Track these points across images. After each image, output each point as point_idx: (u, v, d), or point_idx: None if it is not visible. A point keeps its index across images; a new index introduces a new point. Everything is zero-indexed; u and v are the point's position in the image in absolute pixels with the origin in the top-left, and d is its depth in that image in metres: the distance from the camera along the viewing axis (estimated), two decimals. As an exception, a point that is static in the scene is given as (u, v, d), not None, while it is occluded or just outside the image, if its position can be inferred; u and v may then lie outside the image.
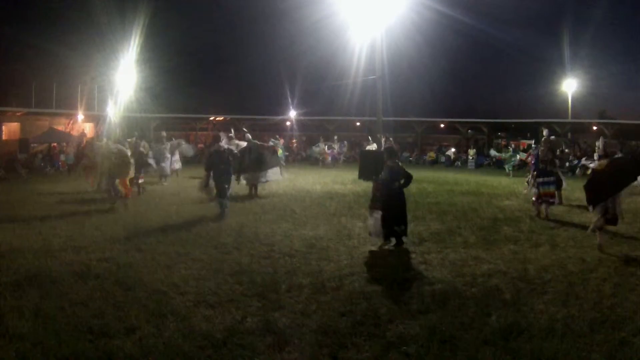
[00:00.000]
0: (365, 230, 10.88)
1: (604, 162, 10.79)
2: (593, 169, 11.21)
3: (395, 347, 5.42)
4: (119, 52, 42.55)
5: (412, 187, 20.44)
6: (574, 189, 21.33)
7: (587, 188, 10.50)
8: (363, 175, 22.99)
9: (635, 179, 10.86)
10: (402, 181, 10.32)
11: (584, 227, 12.07)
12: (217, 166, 13.28)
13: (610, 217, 10.04)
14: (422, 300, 6.85)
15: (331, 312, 6.36)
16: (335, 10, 28.03)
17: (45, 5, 66.19)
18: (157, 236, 10.56)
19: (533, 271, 8.35)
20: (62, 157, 31.46)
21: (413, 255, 9.26)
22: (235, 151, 16.86)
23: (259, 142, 18.96)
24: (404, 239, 10.21)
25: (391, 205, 10.04)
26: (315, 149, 37.35)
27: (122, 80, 42.85)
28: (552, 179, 13.92)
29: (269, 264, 8.53)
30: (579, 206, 15.66)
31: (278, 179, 18.66)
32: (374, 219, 10.01)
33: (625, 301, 6.95)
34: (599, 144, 14.01)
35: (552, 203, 13.88)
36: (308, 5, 33.97)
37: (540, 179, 13.85)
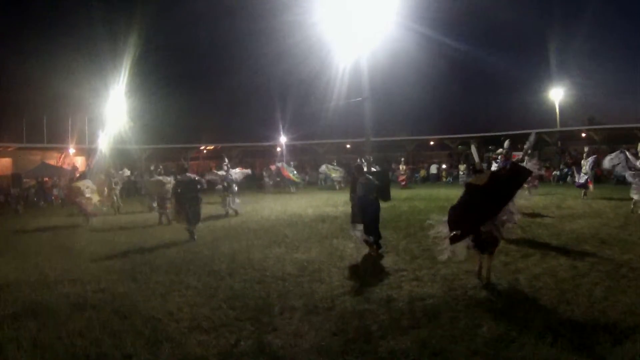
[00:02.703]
0: (356, 251, 11.49)
1: (483, 176, 9.06)
2: (468, 184, 9.21)
3: (387, 362, 5.49)
4: (108, 83, 42.76)
5: (404, 205, 20.69)
6: (565, 197, 21.59)
7: (455, 211, 8.47)
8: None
9: (513, 194, 8.80)
10: (375, 195, 11.50)
11: (576, 235, 12.22)
12: (183, 195, 14.25)
13: (484, 239, 8.51)
14: (413, 315, 6.93)
15: (323, 332, 6.43)
16: (321, 31, 28.26)
17: (34, 37, 66.45)
18: (151, 265, 10.62)
19: (524, 280, 8.45)
20: (55, 191, 31.51)
21: (405, 273, 9.30)
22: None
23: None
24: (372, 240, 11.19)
25: (367, 217, 11.15)
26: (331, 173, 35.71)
27: (112, 112, 43.00)
28: None
29: (261, 288, 8.57)
30: (569, 215, 15.82)
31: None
32: (359, 232, 11.24)
33: (617, 304, 7.06)
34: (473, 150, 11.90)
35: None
36: (292, 27, 34.26)
37: None
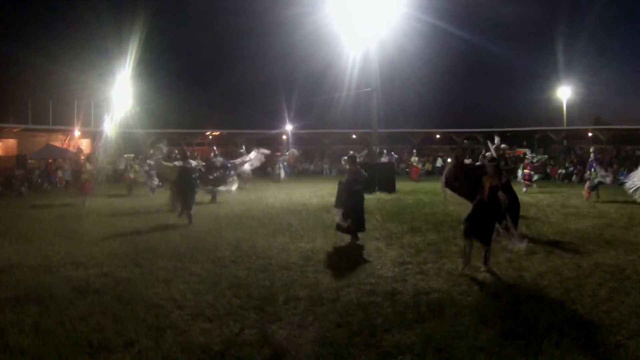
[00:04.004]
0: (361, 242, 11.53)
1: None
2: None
3: (391, 356, 5.46)
4: (115, 67, 42.81)
5: (409, 199, 20.66)
6: (570, 195, 21.51)
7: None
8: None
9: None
10: (358, 185, 11.80)
11: (580, 234, 12.17)
12: (183, 181, 14.76)
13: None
14: (418, 309, 6.89)
15: (328, 324, 6.40)
16: (329, 22, 28.21)
17: (41, 22, 66.55)
18: (154, 251, 10.59)
19: (529, 278, 8.43)
20: (60, 173, 31.50)
21: (409, 266, 9.27)
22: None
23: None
24: (360, 235, 11.70)
25: (352, 205, 11.55)
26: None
27: (118, 96, 43.01)
28: None
29: (266, 277, 8.55)
30: (574, 214, 15.78)
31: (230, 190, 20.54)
32: (338, 216, 11.60)
33: (621, 305, 7.03)
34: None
35: None
36: (301, 18, 34.17)
37: None
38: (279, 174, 33.37)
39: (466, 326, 6.28)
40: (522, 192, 22.36)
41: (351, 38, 28.23)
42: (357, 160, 13.00)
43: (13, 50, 50.54)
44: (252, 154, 22.71)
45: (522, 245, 9.10)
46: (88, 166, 20.99)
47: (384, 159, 31.20)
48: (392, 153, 35.16)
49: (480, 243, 9.02)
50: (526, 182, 24.27)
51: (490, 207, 8.81)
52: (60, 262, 9.77)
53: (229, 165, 21.08)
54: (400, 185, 26.02)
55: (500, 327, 6.21)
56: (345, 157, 14.07)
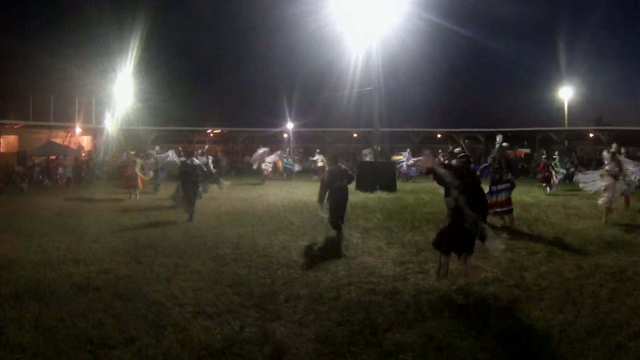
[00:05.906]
0: (362, 241, 11.51)
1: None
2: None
3: (392, 355, 5.46)
4: (116, 64, 42.83)
5: (409, 198, 20.63)
6: (571, 196, 21.46)
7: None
8: (361, 187, 22.97)
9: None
10: (344, 181, 12.23)
11: (581, 235, 12.15)
12: (187, 178, 14.91)
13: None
14: (419, 309, 6.88)
15: (329, 322, 6.40)
16: (331, 21, 28.20)
17: (43, 18, 66.56)
18: (155, 248, 10.60)
19: (530, 278, 8.40)
20: (60, 170, 31.46)
21: (410, 265, 9.26)
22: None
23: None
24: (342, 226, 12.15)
25: (333, 202, 12.05)
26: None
27: (119, 93, 43.01)
28: (504, 186, 13.49)
29: (267, 275, 8.55)
30: (575, 214, 15.76)
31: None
32: (326, 215, 12.21)
33: (622, 306, 7.00)
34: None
35: (509, 211, 13.47)
36: (303, 17, 34.12)
37: (494, 187, 13.45)
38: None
39: (467, 326, 6.26)
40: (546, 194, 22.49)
41: (353, 36, 28.23)
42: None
43: (14, 46, 50.62)
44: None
45: (499, 246, 8.09)
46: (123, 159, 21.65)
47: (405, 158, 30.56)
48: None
49: (463, 253, 7.96)
50: (543, 183, 24.11)
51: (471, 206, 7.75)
52: (60, 258, 9.77)
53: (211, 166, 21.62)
54: (400, 184, 26.01)
55: (501, 327, 6.19)
56: (317, 153, 13.99)
